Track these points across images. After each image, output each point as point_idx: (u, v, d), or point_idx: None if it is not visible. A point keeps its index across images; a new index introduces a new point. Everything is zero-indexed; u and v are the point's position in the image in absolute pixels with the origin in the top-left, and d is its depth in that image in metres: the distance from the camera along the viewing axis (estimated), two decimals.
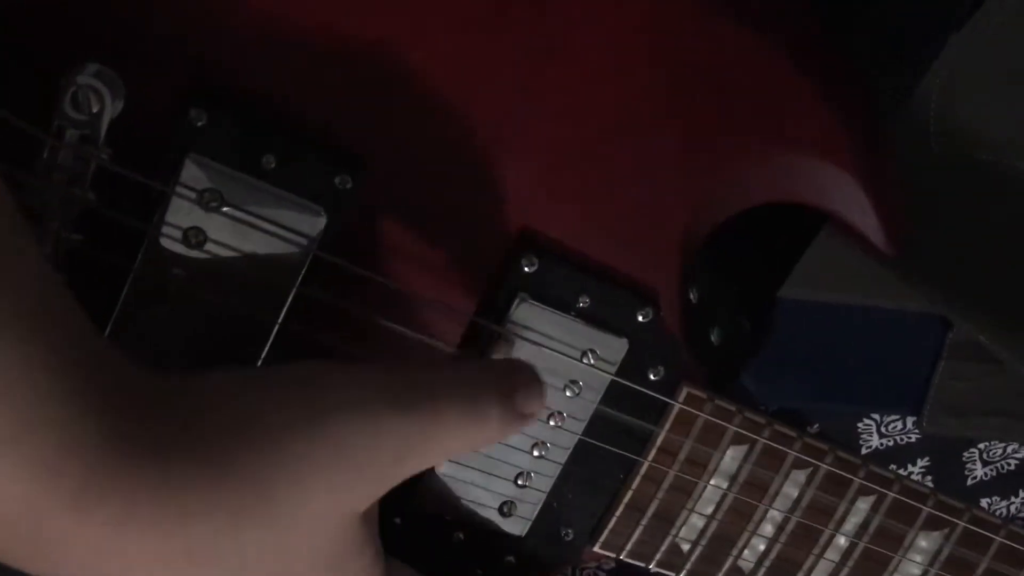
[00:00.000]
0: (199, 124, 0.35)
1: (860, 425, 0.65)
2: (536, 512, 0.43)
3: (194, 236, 0.36)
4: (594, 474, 0.43)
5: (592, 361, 0.41)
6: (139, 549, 0.28)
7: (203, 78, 0.36)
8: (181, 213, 0.36)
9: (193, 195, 0.35)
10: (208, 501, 0.28)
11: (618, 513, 0.44)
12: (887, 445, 0.66)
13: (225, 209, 0.36)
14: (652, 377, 0.43)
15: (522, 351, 0.41)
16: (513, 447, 0.42)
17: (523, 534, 0.44)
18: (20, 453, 0.25)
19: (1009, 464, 0.69)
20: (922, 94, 0.50)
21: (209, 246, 0.36)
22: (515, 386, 0.35)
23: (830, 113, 0.41)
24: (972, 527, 0.46)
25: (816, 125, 0.41)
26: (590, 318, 0.41)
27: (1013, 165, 0.53)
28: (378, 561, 0.35)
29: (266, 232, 0.36)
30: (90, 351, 0.28)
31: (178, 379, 0.30)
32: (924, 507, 0.46)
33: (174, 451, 0.28)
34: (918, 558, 0.47)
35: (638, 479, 0.43)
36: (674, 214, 0.41)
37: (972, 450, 0.68)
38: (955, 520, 0.46)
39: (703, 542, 0.45)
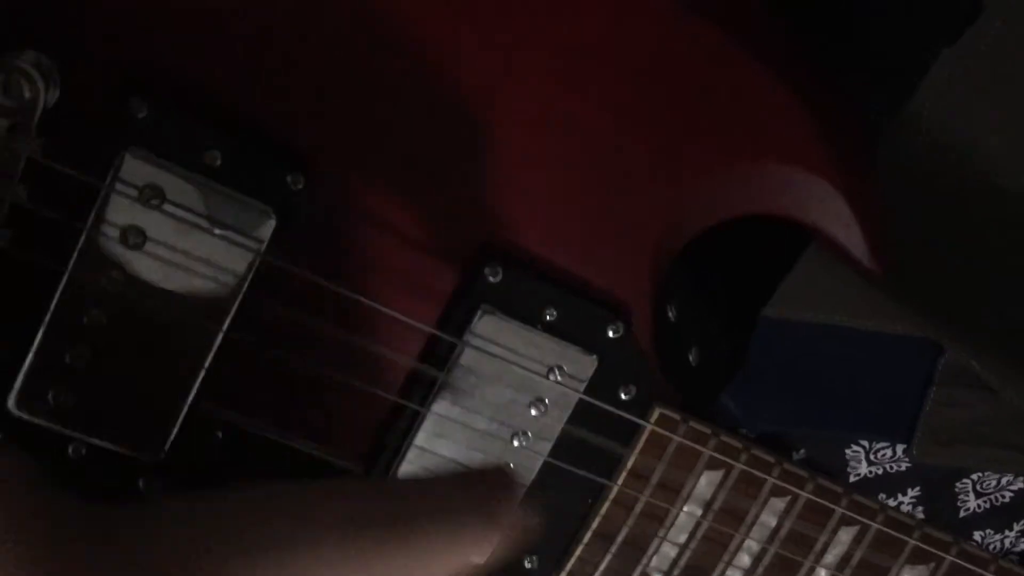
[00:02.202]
0: (140, 116, 0.33)
1: (848, 452, 0.63)
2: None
3: (133, 235, 0.34)
4: (560, 498, 0.41)
5: (559, 378, 0.39)
6: None
7: (145, 67, 0.34)
8: (119, 210, 0.33)
9: (133, 192, 0.33)
10: None
11: (586, 540, 0.42)
12: (876, 473, 0.64)
13: (167, 207, 0.34)
14: (623, 396, 0.40)
15: (485, 366, 0.38)
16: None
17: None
18: None
19: (1004, 496, 0.66)
20: (913, 110, 0.48)
21: (149, 246, 0.34)
22: (491, 497, 0.33)
23: (811, 123, 0.39)
24: (961, 562, 0.44)
25: (796, 135, 0.39)
26: (557, 332, 0.39)
27: (1007, 184, 0.51)
28: None
29: (211, 233, 0.34)
30: (31, 500, 0.27)
31: (129, 509, 0.29)
32: (910, 539, 0.44)
33: None
34: None
35: (607, 504, 0.41)
36: (646, 225, 0.39)
37: (965, 480, 0.66)
38: (942, 554, 0.44)
39: (676, 572, 0.42)
